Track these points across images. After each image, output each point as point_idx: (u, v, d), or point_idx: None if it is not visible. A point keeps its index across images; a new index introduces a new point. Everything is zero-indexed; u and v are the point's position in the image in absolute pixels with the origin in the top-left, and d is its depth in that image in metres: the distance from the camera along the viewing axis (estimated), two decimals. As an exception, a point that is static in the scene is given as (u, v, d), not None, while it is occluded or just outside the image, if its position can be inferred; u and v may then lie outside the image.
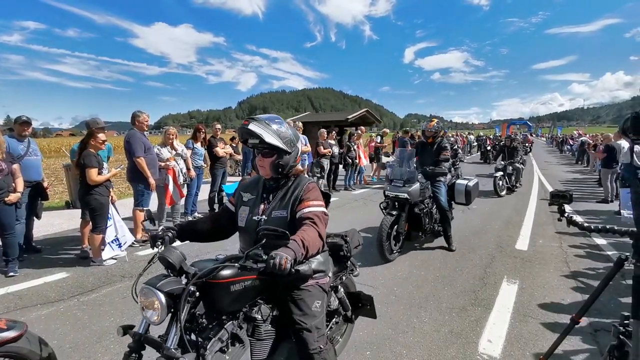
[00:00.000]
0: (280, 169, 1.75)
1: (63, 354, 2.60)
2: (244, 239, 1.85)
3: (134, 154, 4.83)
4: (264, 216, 1.75)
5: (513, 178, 9.66)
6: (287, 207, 1.73)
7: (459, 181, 5.26)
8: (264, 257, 1.41)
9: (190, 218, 6.35)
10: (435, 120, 5.02)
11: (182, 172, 5.77)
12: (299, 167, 1.89)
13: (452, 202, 5.26)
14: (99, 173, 4.19)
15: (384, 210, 4.57)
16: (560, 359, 2.50)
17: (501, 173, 9.17)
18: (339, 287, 2.21)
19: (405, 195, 4.39)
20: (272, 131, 1.69)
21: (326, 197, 1.88)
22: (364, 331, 2.89)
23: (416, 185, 4.51)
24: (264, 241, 1.47)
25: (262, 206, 1.80)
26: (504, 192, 8.97)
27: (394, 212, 4.40)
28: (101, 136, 4.29)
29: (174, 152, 5.72)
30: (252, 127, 1.66)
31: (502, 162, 9.70)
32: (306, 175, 1.91)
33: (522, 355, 2.59)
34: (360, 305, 2.44)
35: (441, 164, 4.80)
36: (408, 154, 4.91)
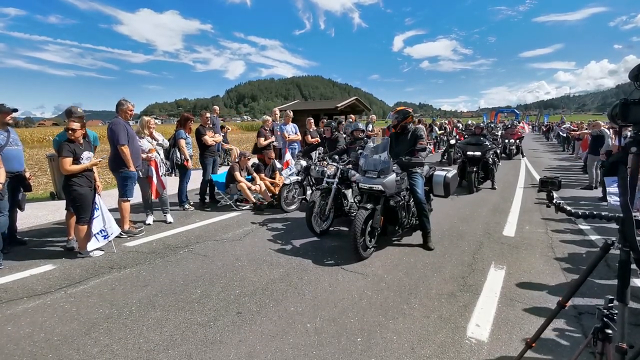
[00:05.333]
0: None
1: (51, 347, 2.57)
2: None
3: (117, 142, 4.74)
4: None
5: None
6: None
7: (437, 172, 5.07)
8: None
9: (186, 206, 6.38)
10: (399, 108, 4.79)
11: (163, 163, 5.68)
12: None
13: (431, 194, 5.13)
14: (76, 162, 4.08)
15: (357, 204, 4.32)
16: (545, 341, 2.57)
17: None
18: None
19: (380, 187, 4.10)
20: None
21: None
22: (354, 318, 2.92)
23: (391, 177, 4.18)
24: None
25: None
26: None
27: (368, 206, 4.13)
28: (74, 125, 4.11)
29: (155, 143, 5.60)
30: None
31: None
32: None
33: (509, 338, 2.65)
34: None
35: (418, 153, 4.53)
36: (382, 144, 4.58)
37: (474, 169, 8.03)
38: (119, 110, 4.94)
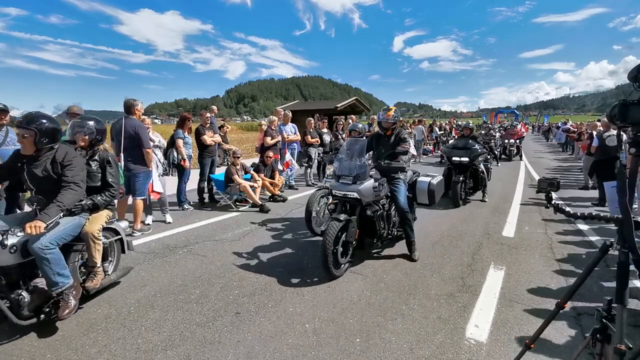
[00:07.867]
0: None
1: (50, 347, 2.56)
2: None
3: (145, 146, 4.79)
4: None
5: None
6: None
7: (420, 179, 4.65)
8: None
9: (186, 206, 6.34)
10: (394, 108, 4.38)
11: (160, 163, 5.67)
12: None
13: (415, 202, 4.69)
14: None
15: (330, 214, 3.89)
16: (545, 342, 2.56)
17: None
18: None
19: (355, 195, 3.63)
20: None
21: None
22: (353, 319, 2.91)
23: (368, 182, 3.75)
24: None
25: None
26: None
27: (342, 217, 3.62)
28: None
29: (151, 144, 5.58)
30: None
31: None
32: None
33: (508, 339, 2.65)
34: None
35: (399, 157, 4.12)
36: (359, 146, 4.07)
37: (461, 178, 6.83)
38: (134, 110, 4.86)
